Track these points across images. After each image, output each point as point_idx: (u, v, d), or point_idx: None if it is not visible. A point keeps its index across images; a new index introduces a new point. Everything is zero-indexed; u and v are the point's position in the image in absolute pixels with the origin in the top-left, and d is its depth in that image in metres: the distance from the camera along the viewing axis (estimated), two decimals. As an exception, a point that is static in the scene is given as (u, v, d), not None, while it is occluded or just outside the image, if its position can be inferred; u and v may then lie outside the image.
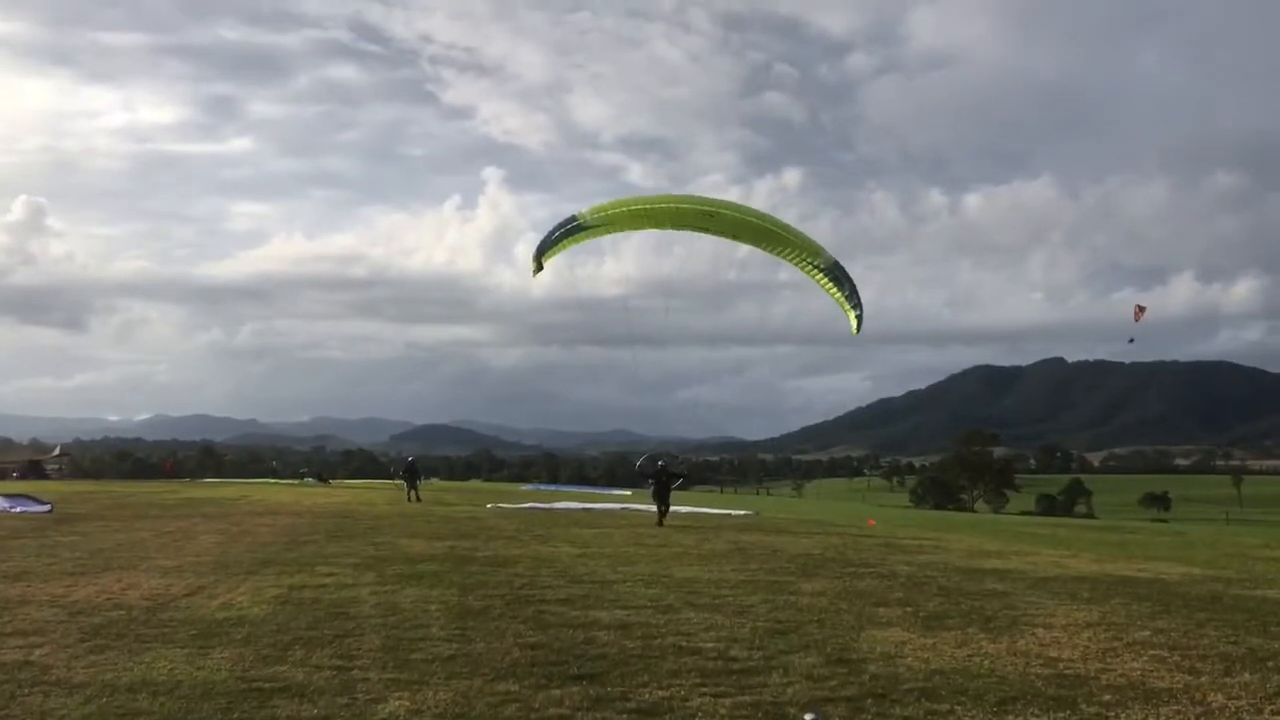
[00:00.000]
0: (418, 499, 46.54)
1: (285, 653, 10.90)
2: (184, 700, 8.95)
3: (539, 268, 27.81)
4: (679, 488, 36.13)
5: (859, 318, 27.48)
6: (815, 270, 27.04)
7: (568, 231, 27.23)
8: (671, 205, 26.95)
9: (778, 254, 27.12)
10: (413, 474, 50.04)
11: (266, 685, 9.43)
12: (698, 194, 32.72)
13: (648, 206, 27.07)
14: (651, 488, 33.69)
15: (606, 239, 28.72)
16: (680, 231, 27.85)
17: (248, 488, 67.94)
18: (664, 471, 33.89)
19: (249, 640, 11.54)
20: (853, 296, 27.28)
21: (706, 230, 27.00)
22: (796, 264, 27.09)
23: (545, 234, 27.93)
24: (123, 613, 13.32)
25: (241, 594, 15.22)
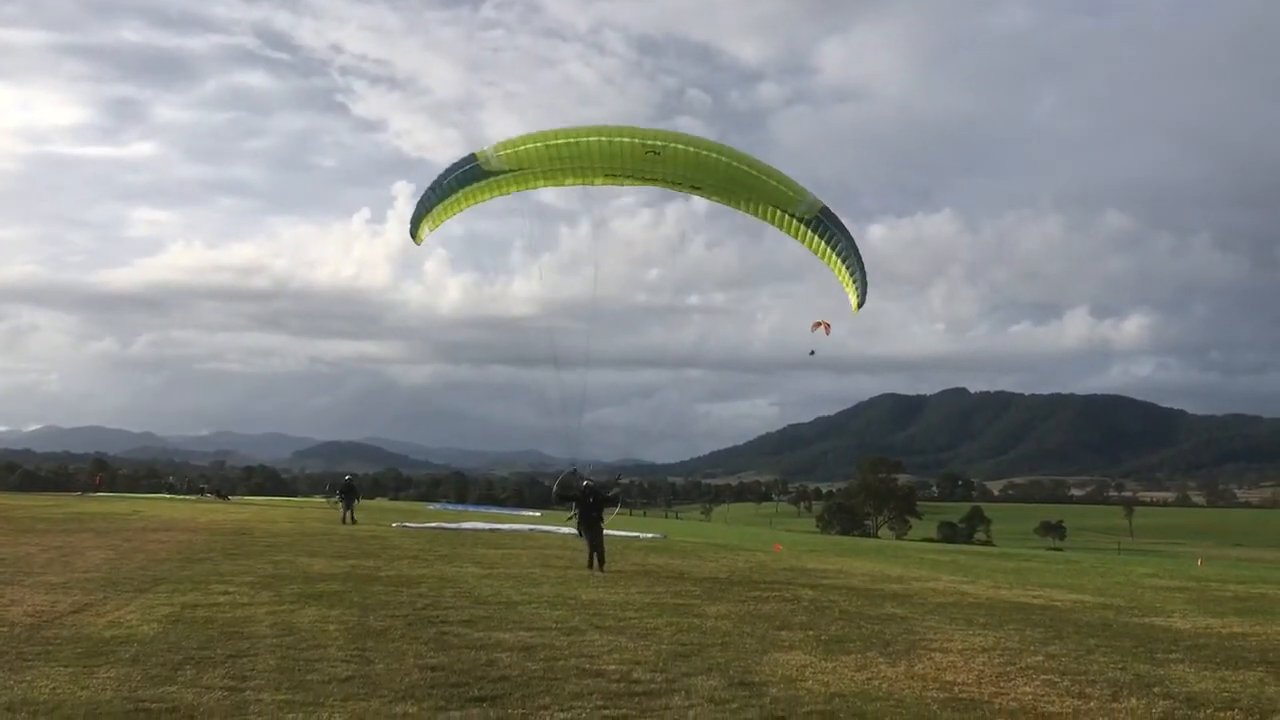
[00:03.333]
0: (353, 520, 44.58)
1: (175, 673, 10.57)
2: (65, 721, 8.62)
3: (418, 234, 22.26)
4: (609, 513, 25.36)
5: (861, 291, 21.77)
6: (796, 225, 21.38)
7: (462, 178, 21.16)
8: (605, 140, 20.52)
9: (746, 208, 21.39)
10: (350, 494, 47.88)
11: (154, 706, 9.13)
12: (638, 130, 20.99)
13: (573, 142, 20.59)
14: (575, 515, 24.24)
15: (516, 201, 22.05)
16: (616, 186, 21.91)
17: (141, 503, 65.92)
18: (590, 493, 24.07)
19: (137, 659, 11.17)
20: (849, 258, 21.59)
21: (652, 179, 21.03)
22: (770, 219, 21.45)
23: (433, 183, 21.63)
24: (4, 629, 12.79)
25: (131, 612, 14.73)
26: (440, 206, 21.56)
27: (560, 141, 20.63)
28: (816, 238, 21.41)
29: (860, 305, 21.90)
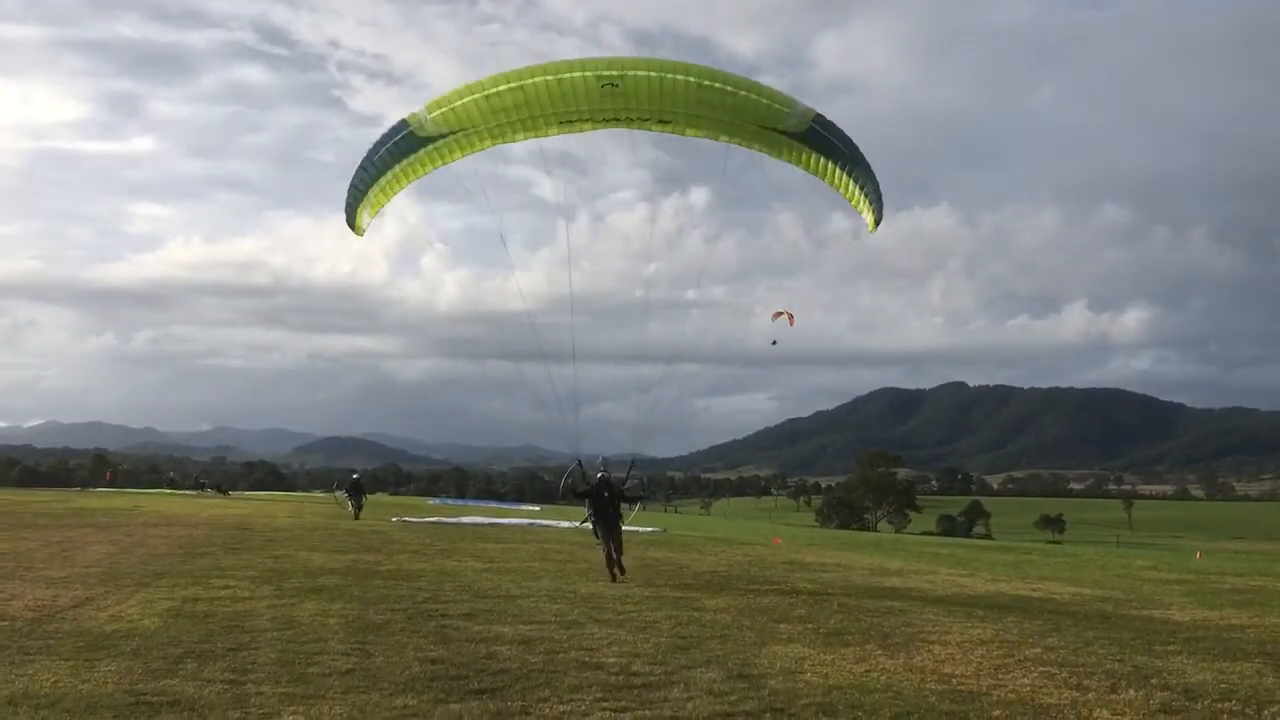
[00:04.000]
0: (356, 517, 44.56)
1: (176, 666, 10.61)
2: (67, 714, 8.66)
3: (357, 223, 19.10)
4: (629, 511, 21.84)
5: (876, 207, 18.69)
6: (788, 142, 18.04)
7: (396, 150, 18.03)
8: (553, 80, 17.15)
9: (725, 136, 18.02)
10: (358, 491, 48.16)
11: (155, 699, 9.17)
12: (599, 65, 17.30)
13: (517, 88, 17.20)
14: (589, 511, 20.73)
15: (467, 168, 18.72)
16: (574, 134, 18.23)
17: (142, 498, 65.95)
18: (605, 485, 20.61)
19: (138, 653, 11.20)
20: (855, 170, 18.35)
21: (614, 119, 17.74)
22: (755, 144, 18.23)
23: (364, 160, 18.50)
24: (5, 623, 12.84)
25: (132, 606, 14.77)
26: (377, 188, 18.49)
27: (503, 89, 17.27)
28: (813, 153, 18.13)
29: (878, 222, 18.95)
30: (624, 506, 21.01)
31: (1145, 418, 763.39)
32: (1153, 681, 11.41)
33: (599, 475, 20.75)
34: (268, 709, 8.99)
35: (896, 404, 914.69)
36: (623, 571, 20.63)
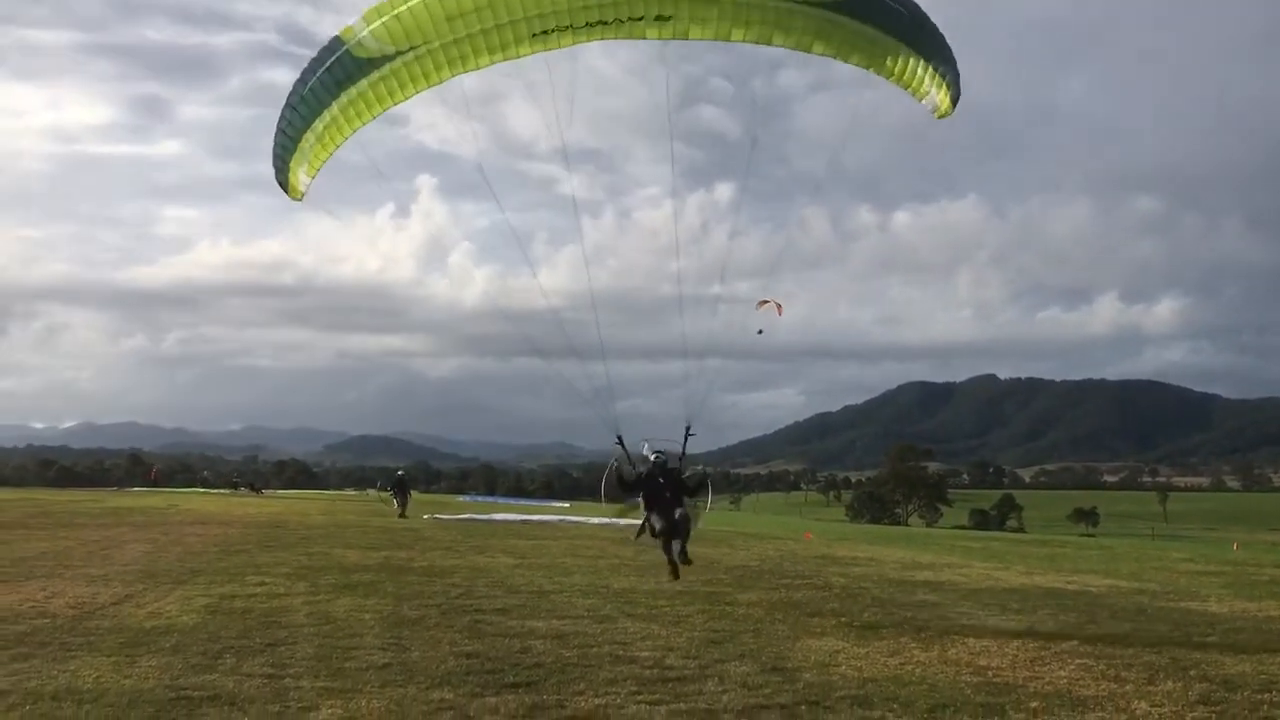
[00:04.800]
0: (401, 514, 44.94)
1: (215, 661, 10.73)
2: (110, 708, 8.78)
3: (290, 179, 15.16)
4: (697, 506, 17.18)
5: (950, 82, 14.33)
6: (819, 18, 13.79)
7: (330, 79, 14.15)
8: None
9: (741, 32, 14.06)
10: (403, 488, 48.89)
11: (196, 694, 9.28)
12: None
13: None
14: (638, 503, 16.31)
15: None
16: (553, 51, 14.28)
17: (177, 497, 66.63)
18: (662, 471, 15.88)
19: (178, 649, 11.34)
20: (917, 35, 14.13)
21: (600, 22, 13.97)
22: (776, 37, 14.10)
23: (293, 93, 14.48)
24: (47, 621, 13.02)
25: (170, 603, 14.94)
26: (313, 135, 14.61)
27: None
28: (852, 22, 13.87)
29: (955, 102, 14.51)
30: (689, 503, 16.01)
31: (1180, 409, 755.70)
32: (1191, 673, 11.32)
33: (652, 458, 16.16)
34: (306, 702, 9.08)
35: (926, 397, 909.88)
36: (685, 561, 15.74)
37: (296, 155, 14.92)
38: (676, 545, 15.62)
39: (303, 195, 15.33)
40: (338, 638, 12.30)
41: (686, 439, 16.10)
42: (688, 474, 16.08)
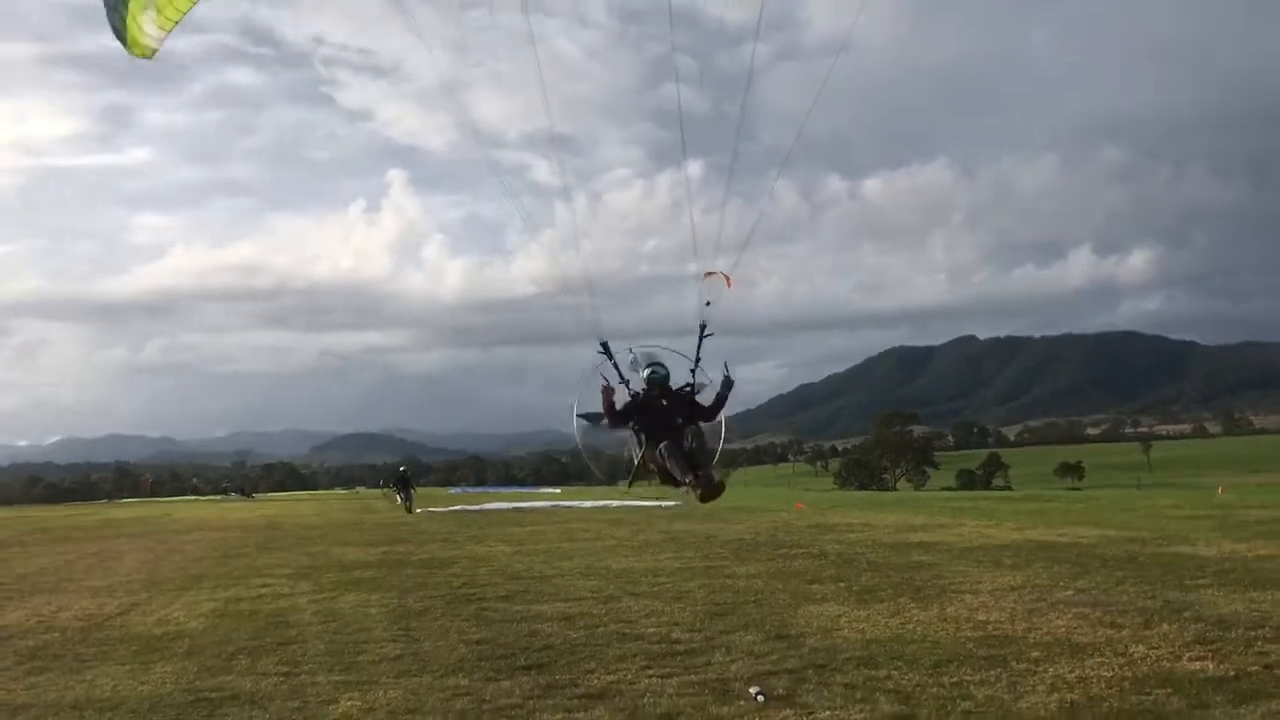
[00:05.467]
0: (409, 510, 45.39)
1: (230, 663, 10.86)
2: (131, 714, 8.91)
3: (131, 33, 11.47)
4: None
5: None
6: None
7: None
8: None
9: None
10: (405, 484, 49.39)
11: (214, 695, 9.42)
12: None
13: None
14: (636, 435, 11.70)
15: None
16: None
17: (169, 506, 66.55)
18: (663, 389, 11.58)
19: (191, 653, 11.46)
20: None
21: None
22: None
23: None
24: (56, 634, 13.11)
25: (177, 609, 15.04)
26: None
27: None
28: None
29: None
30: (706, 431, 11.67)
31: (1158, 358, 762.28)
32: (1185, 615, 11.60)
33: (644, 373, 11.70)
34: (325, 696, 9.24)
35: (907, 361, 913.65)
36: (718, 489, 11.33)
37: (149, 21, 11.48)
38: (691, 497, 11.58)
39: (153, 52, 11.91)
40: (347, 633, 12.45)
41: (701, 340, 11.88)
42: (701, 389, 11.85)
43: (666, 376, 11.63)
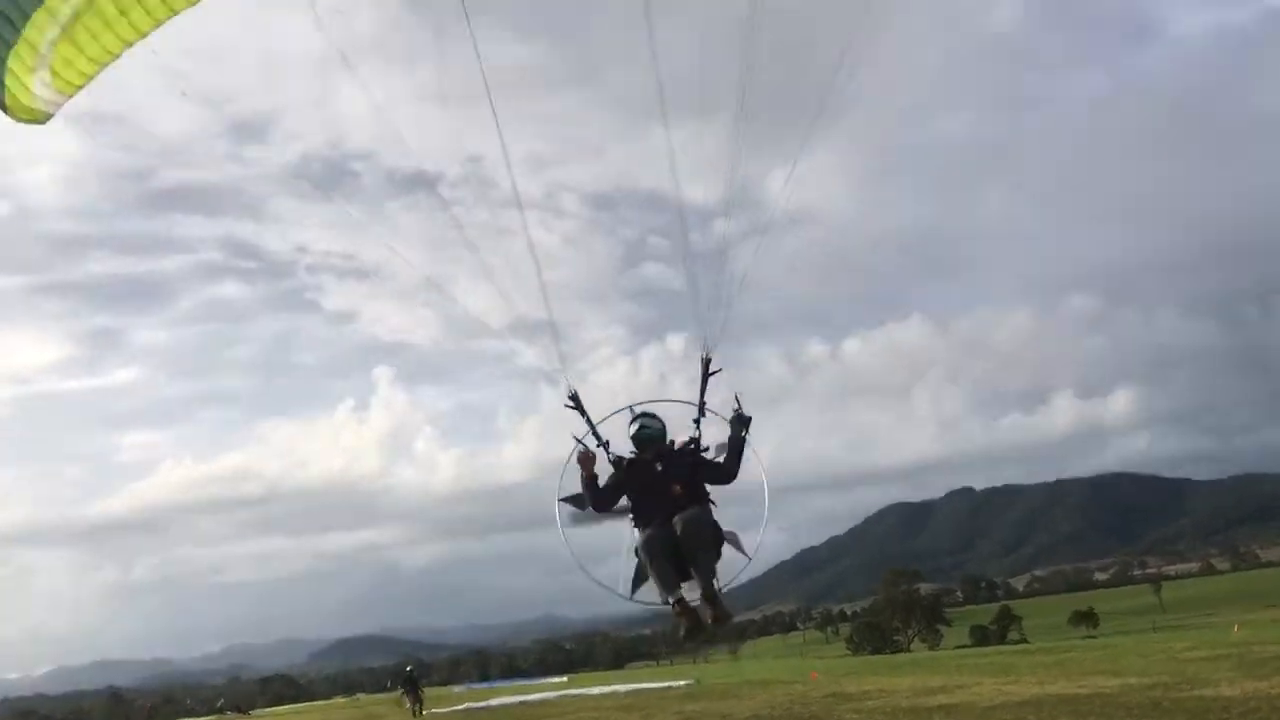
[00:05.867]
0: (421, 711, 45.09)
1: None
2: None
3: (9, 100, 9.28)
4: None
5: None
6: None
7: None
8: None
9: None
10: (413, 685, 48.70)
11: None
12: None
13: None
14: (633, 524, 9.26)
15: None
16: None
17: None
18: (656, 451, 9.31)
19: None
20: None
21: None
22: None
23: None
24: None
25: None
26: (46, 18, 8.72)
27: None
28: None
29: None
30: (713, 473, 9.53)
31: (1155, 496, 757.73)
32: (1215, 759, 11.47)
33: (632, 428, 9.43)
34: None
35: (907, 518, 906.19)
36: (719, 617, 9.56)
37: (17, 55, 9.01)
38: (692, 593, 9.05)
39: (46, 116, 9.77)
40: None
41: (705, 379, 9.45)
42: (705, 447, 9.24)
43: (661, 432, 9.28)
